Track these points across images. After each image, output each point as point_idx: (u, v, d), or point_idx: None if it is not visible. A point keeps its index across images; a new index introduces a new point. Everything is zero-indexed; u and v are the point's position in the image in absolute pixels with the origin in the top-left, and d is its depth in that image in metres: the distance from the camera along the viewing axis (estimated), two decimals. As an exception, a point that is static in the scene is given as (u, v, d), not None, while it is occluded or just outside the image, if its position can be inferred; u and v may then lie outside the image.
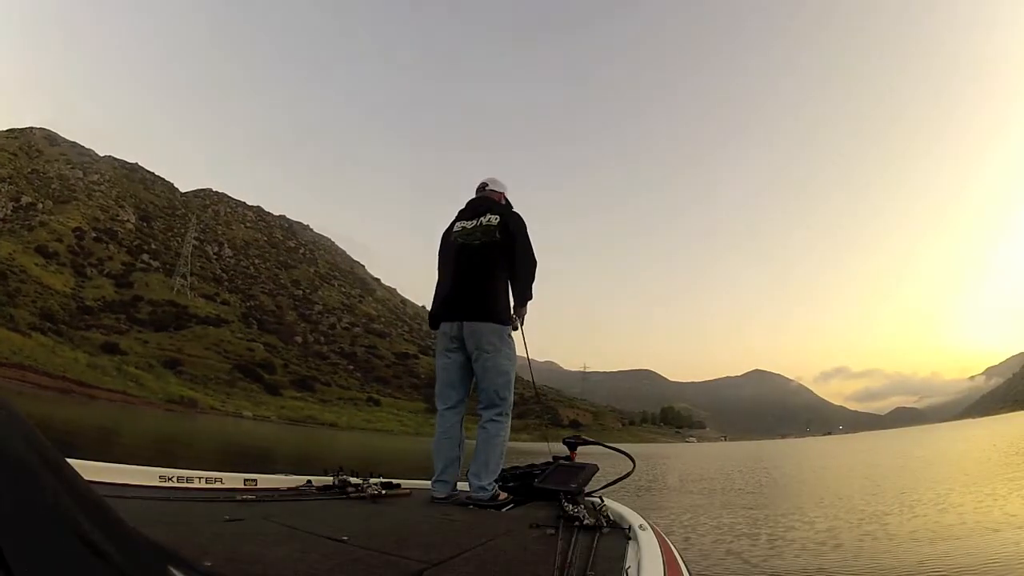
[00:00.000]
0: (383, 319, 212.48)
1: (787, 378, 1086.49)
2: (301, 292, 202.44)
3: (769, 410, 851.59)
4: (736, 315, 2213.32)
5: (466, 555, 2.06)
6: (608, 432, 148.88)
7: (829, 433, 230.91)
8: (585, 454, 4.69)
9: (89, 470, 2.71)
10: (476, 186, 4.61)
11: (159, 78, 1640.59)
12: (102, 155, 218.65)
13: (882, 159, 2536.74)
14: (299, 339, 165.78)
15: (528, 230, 4.18)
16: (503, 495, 3.84)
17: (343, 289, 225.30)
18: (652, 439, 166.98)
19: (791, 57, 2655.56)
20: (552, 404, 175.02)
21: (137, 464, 3.13)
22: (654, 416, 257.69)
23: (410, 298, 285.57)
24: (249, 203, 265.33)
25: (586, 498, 3.74)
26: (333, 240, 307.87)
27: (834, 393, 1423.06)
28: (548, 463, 4.48)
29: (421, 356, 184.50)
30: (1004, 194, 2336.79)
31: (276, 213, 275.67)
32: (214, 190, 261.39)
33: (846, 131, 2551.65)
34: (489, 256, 4.04)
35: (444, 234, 4.41)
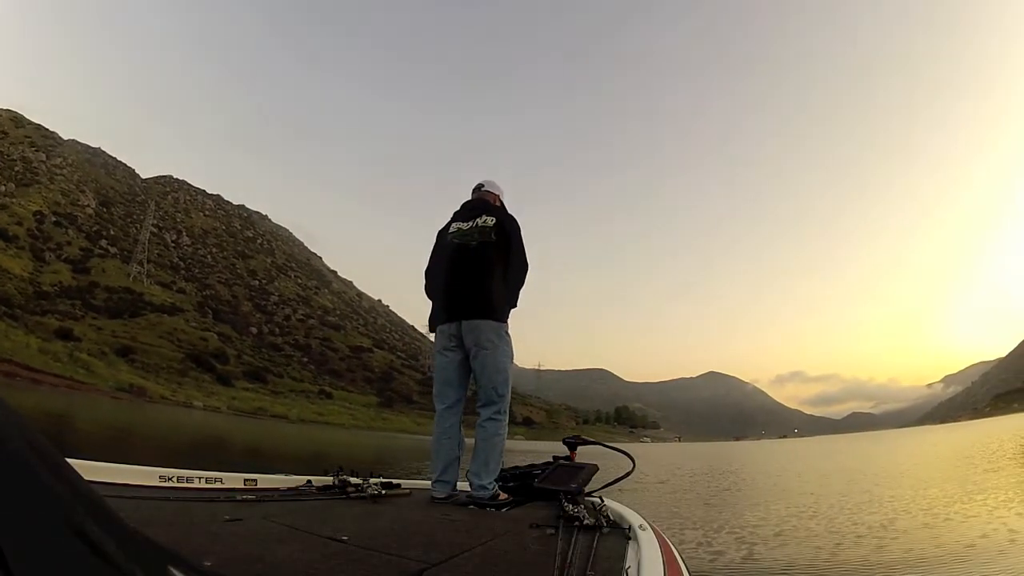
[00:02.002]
0: (338, 312, 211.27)
1: (742, 381, 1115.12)
2: (258, 282, 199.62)
3: (724, 412, 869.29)
4: (692, 316, 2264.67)
5: (466, 555, 2.06)
6: (562, 431, 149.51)
7: (784, 436, 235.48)
8: (585, 454, 4.71)
9: (89, 470, 2.72)
10: (472, 186, 4.62)
11: (129, 63, 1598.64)
12: (66, 138, 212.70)
13: (850, 166, 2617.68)
14: (254, 330, 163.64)
15: (522, 233, 4.22)
16: (503, 495, 3.82)
17: (299, 280, 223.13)
18: (606, 439, 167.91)
19: (762, 72, 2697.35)
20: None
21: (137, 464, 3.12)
22: (608, 415, 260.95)
23: (367, 292, 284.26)
24: (209, 191, 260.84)
25: (586, 498, 3.74)
26: (291, 231, 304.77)
27: (789, 397, 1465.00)
28: (548, 463, 4.48)
29: (375, 350, 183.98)
30: (974, 205, 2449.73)
31: (235, 202, 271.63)
32: (175, 177, 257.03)
33: (815, 140, 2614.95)
34: (486, 256, 4.08)
35: (439, 234, 4.44)
